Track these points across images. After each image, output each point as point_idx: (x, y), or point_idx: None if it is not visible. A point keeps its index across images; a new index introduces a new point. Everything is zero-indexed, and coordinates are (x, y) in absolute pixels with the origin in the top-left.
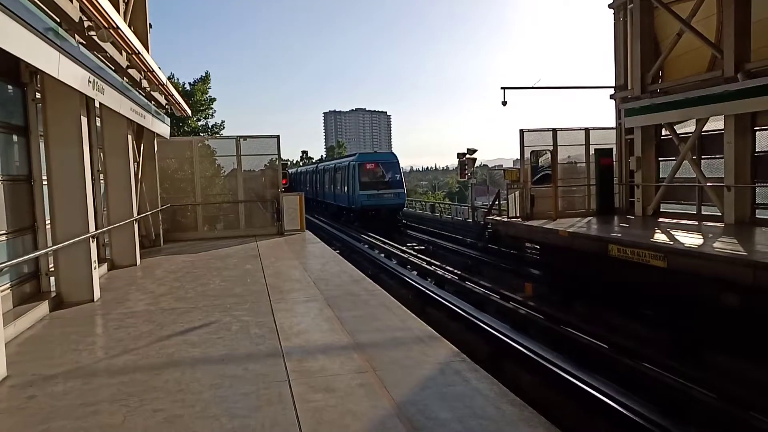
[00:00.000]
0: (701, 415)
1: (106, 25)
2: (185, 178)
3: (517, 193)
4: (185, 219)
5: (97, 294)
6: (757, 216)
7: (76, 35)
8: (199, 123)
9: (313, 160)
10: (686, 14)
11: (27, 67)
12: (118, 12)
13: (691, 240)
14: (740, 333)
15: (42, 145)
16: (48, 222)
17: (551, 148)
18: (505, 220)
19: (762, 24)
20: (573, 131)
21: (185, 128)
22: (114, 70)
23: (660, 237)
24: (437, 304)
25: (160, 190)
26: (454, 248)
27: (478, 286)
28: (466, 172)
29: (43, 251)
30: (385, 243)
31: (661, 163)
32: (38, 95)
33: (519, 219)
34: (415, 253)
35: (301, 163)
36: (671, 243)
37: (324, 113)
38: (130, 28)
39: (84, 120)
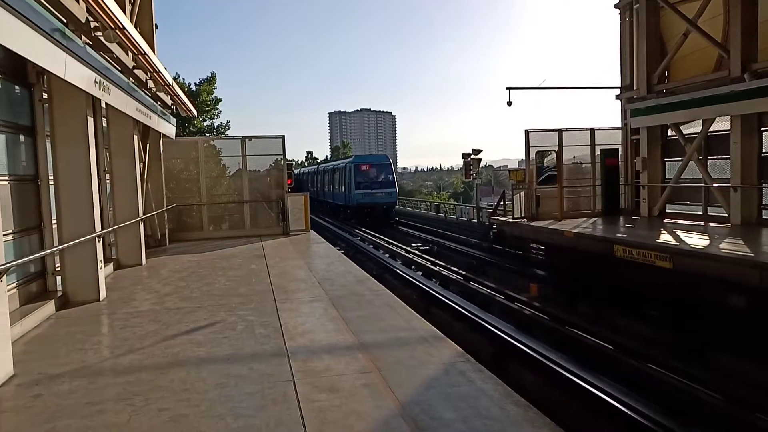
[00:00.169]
0: (706, 416)
1: (113, 26)
2: (191, 178)
3: (522, 193)
4: (190, 219)
5: (102, 293)
6: (763, 217)
7: (82, 36)
8: (205, 123)
9: (317, 161)
10: (692, 14)
11: (34, 68)
12: (124, 13)
13: (697, 241)
14: (746, 334)
15: (48, 146)
16: (54, 222)
17: (556, 148)
18: (510, 220)
19: None
20: (578, 132)
21: (191, 128)
22: (120, 71)
23: (666, 238)
24: (442, 304)
25: (166, 190)
26: (458, 248)
27: (482, 287)
28: (471, 172)
29: (49, 251)
30: (389, 243)
31: (667, 163)
32: (45, 95)
33: (524, 219)
34: (419, 254)
35: (306, 164)
36: (677, 244)
37: (329, 113)
38: (136, 28)
39: (90, 120)
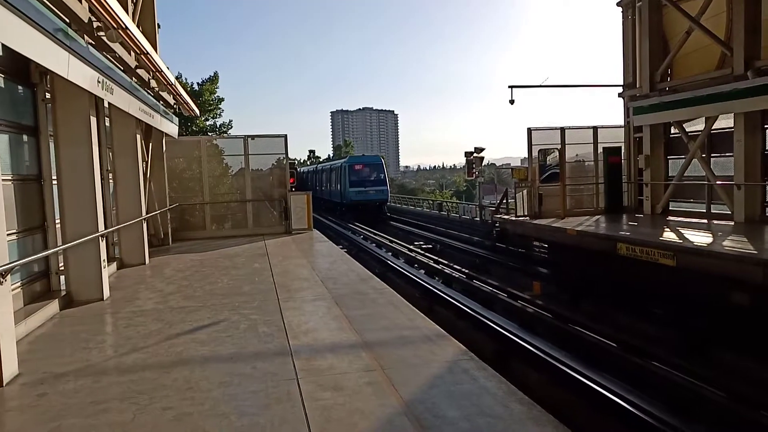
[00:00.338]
0: (711, 414)
1: (115, 26)
2: (193, 177)
3: (525, 191)
4: (193, 218)
5: (106, 292)
6: (767, 214)
7: (85, 36)
8: (207, 123)
9: (318, 160)
10: (695, 12)
11: (37, 68)
12: (127, 12)
13: (700, 238)
14: (750, 332)
15: (52, 145)
16: (58, 221)
17: (559, 146)
18: (513, 218)
19: None
20: (581, 129)
21: (193, 128)
22: (123, 71)
23: (669, 235)
24: (445, 302)
25: (169, 190)
26: (461, 247)
27: (485, 285)
28: (474, 170)
29: (53, 250)
30: (392, 241)
31: (670, 161)
32: (48, 95)
33: (527, 218)
34: (422, 252)
35: (308, 163)
36: (680, 241)
37: (331, 112)
38: (138, 28)
39: (93, 120)
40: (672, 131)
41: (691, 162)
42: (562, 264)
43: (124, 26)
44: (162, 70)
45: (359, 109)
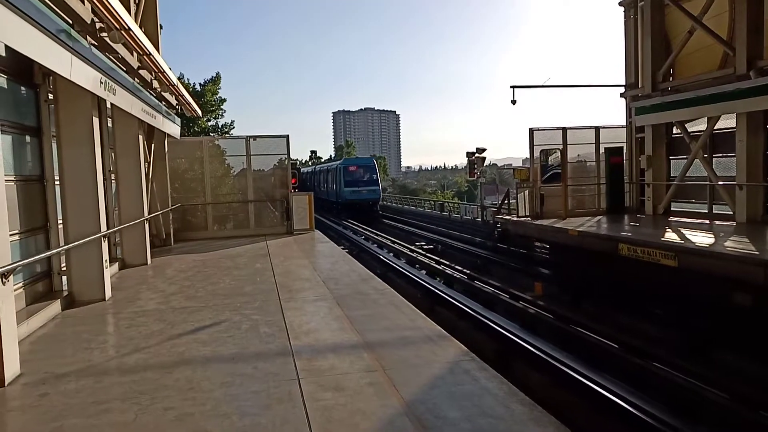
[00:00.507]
0: (712, 414)
1: (118, 27)
2: (195, 177)
3: (526, 192)
4: (195, 218)
5: (108, 293)
6: None
7: (87, 36)
8: (209, 123)
9: (320, 161)
10: (698, 11)
11: (40, 69)
12: (129, 13)
13: (702, 239)
14: (752, 332)
15: (54, 146)
16: (60, 222)
17: (561, 146)
18: (515, 219)
19: None
20: (583, 130)
21: (195, 128)
22: (125, 71)
23: (671, 236)
24: (446, 303)
25: (171, 190)
26: (463, 247)
27: (487, 285)
28: (476, 171)
29: (55, 251)
30: (393, 242)
31: (672, 161)
32: (51, 96)
33: (528, 218)
34: (423, 252)
35: (310, 163)
36: (682, 242)
37: (333, 113)
38: (141, 29)
39: (96, 120)
40: (674, 131)
41: (693, 162)
42: (563, 265)
43: (126, 27)
44: (164, 71)
45: (361, 109)
